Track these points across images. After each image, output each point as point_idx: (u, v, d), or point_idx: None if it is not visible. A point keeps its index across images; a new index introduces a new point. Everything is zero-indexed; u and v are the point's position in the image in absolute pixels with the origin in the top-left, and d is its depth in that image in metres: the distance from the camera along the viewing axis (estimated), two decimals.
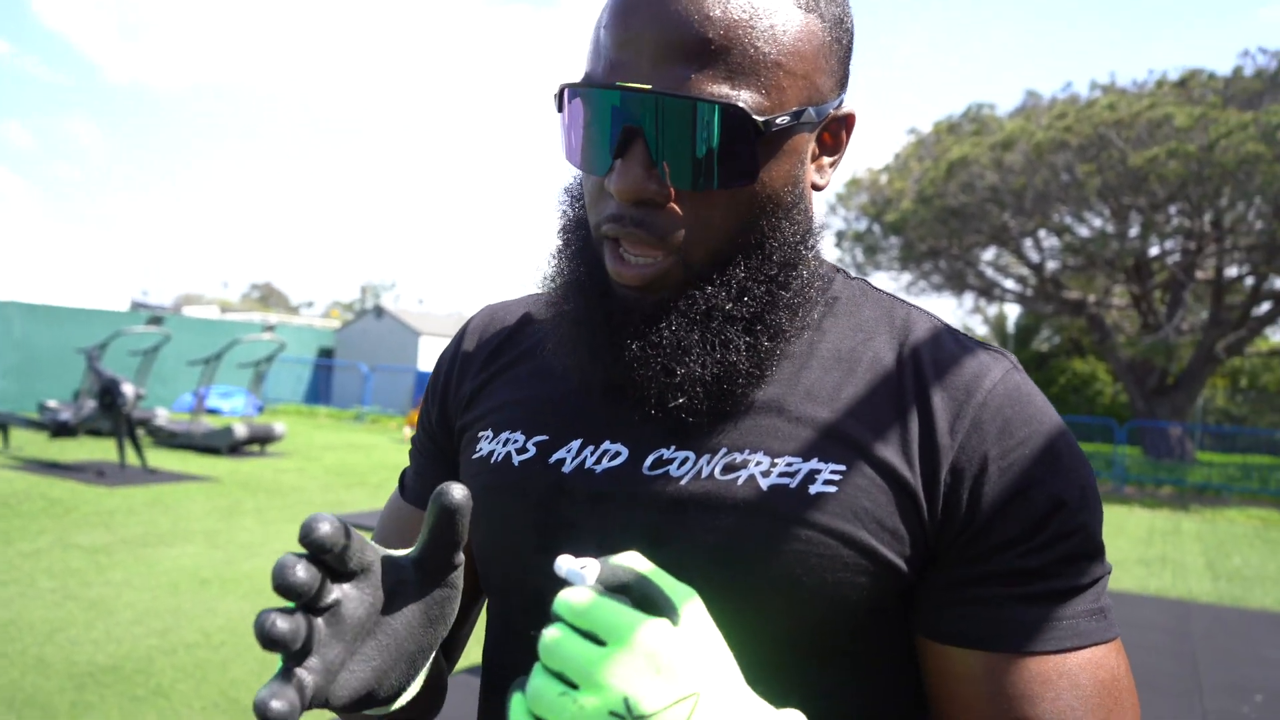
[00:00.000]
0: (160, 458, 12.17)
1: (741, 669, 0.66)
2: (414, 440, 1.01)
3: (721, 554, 0.73)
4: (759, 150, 0.73)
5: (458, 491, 0.65)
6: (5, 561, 6.33)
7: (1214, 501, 15.33)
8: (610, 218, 0.74)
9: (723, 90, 0.71)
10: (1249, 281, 20.15)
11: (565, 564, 0.62)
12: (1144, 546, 10.33)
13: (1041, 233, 20.75)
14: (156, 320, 13.49)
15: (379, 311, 25.65)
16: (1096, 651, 0.71)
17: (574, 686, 0.57)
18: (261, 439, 13.47)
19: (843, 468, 0.73)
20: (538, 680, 0.59)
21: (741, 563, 0.72)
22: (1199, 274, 20.02)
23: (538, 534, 0.80)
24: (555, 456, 0.81)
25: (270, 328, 15.69)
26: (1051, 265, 22.14)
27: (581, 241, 0.81)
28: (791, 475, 0.73)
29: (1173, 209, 18.63)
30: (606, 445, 0.80)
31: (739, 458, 0.75)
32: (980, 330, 37.38)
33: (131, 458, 11.19)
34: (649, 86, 0.70)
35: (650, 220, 0.73)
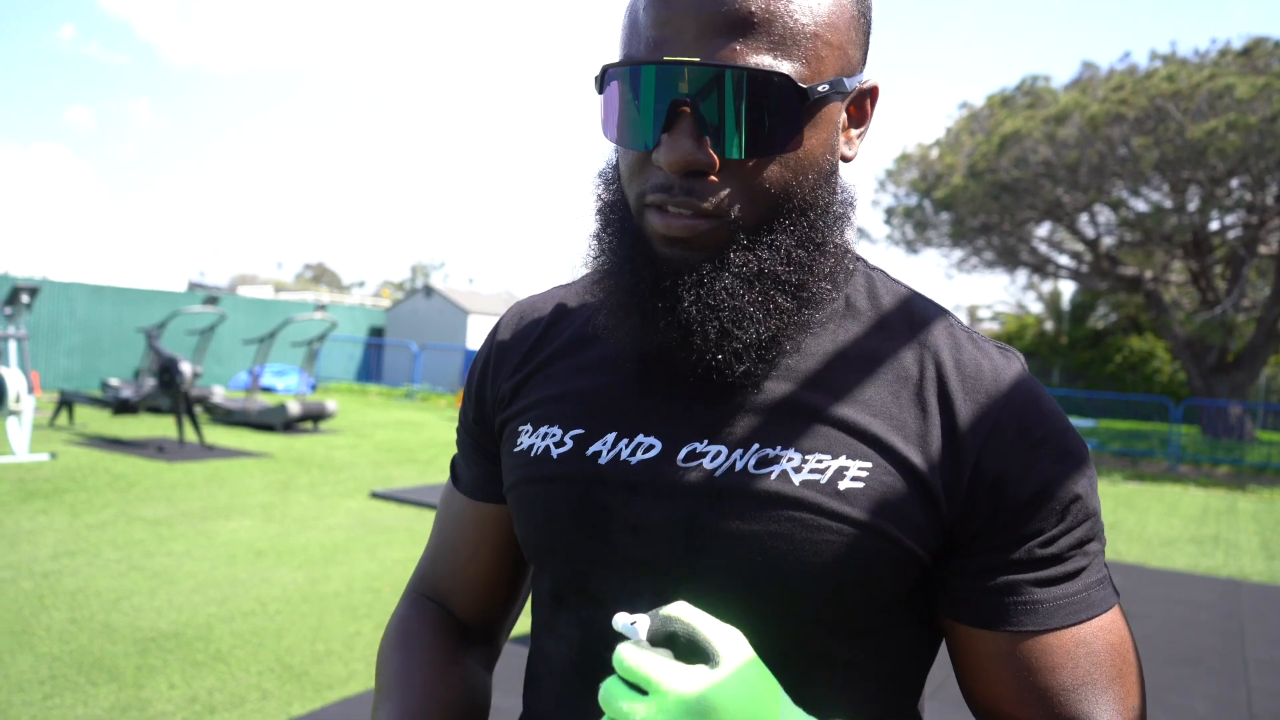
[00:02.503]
0: (217, 434, 12.48)
1: (773, 647, 0.76)
2: (457, 432, 1.06)
3: (757, 542, 0.77)
4: (803, 118, 0.76)
5: None
6: (73, 533, 6.58)
7: (1273, 481, 15.00)
8: (657, 187, 0.77)
9: (766, 60, 0.74)
10: None
11: (620, 621, 0.71)
12: (1197, 525, 10.18)
13: (1097, 207, 20.33)
14: (212, 300, 13.78)
15: (428, 291, 25.89)
16: (1104, 618, 0.80)
17: None
18: (314, 416, 13.73)
19: (868, 465, 0.78)
20: None
21: (776, 551, 0.77)
22: (1262, 249, 19.47)
23: (577, 521, 0.84)
24: (591, 449, 0.85)
25: (322, 307, 15.93)
26: (1107, 241, 21.69)
27: (621, 220, 0.83)
28: (821, 471, 0.78)
29: (1234, 182, 18.12)
30: (641, 438, 0.83)
31: (771, 453, 0.79)
32: (1034, 308, 36.77)
33: (190, 434, 11.49)
34: (696, 59, 0.73)
35: (698, 188, 0.76)
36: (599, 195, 0.86)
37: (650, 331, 0.80)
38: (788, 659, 0.78)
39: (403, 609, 1.03)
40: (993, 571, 0.79)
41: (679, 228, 0.76)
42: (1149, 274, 21.39)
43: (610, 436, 0.85)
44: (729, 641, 0.70)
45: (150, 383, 12.06)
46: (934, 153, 21.99)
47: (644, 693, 0.68)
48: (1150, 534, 9.45)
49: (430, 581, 1.05)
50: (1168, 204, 19.33)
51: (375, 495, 8.78)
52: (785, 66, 0.74)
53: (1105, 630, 0.79)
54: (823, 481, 0.78)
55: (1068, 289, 34.08)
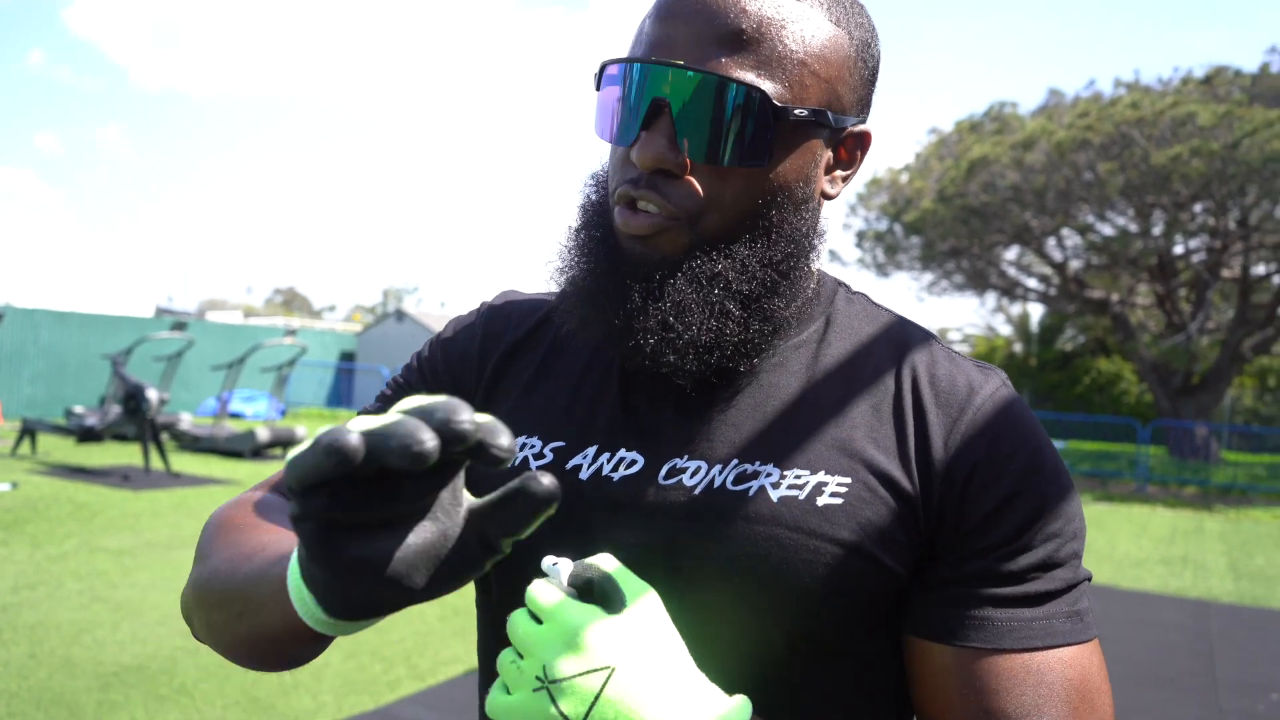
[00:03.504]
0: (184, 462, 12.32)
1: (751, 669, 0.76)
2: (405, 372, 0.98)
3: (735, 563, 0.77)
4: (776, 136, 0.78)
5: (546, 480, 0.55)
6: (34, 564, 6.45)
7: (1239, 501, 15.17)
8: (628, 181, 0.79)
9: (749, 76, 0.76)
10: (1276, 280, 19.93)
11: (546, 562, 0.73)
12: (1166, 546, 10.26)
13: (1064, 231, 20.61)
14: (180, 326, 13.65)
15: (400, 315, 25.78)
16: (1068, 651, 0.75)
17: (521, 657, 0.69)
18: (284, 442, 13.60)
19: (848, 480, 0.78)
20: (505, 651, 0.71)
21: (754, 571, 0.76)
22: (1225, 272, 19.82)
23: (555, 538, 0.81)
24: (572, 463, 0.83)
25: (292, 332, 15.81)
26: (1074, 264, 21.98)
27: (597, 218, 0.84)
28: (800, 487, 0.78)
29: (1197, 207, 18.45)
30: (623, 453, 0.83)
31: (749, 468, 0.79)
32: (1004, 330, 37.14)
33: (156, 462, 11.32)
34: (680, 63, 0.76)
35: (666, 188, 0.78)
36: (586, 195, 0.87)
37: (596, 320, 0.81)
38: (768, 681, 0.77)
39: (247, 493, 0.95)
40: (949, 583, 0.77)
41: (639, 225, 0.78)
42: (1115, 297, 21.69)
43: (591, 450, 0.84)
44: (635, 591, 0.71)
45: (116, 410, 11.89)
46: (904, 177, 22.24)
47: (541, 622, 0.70)
48: (1120, 555, 9.52)
49: None
50: (1133, 228, 19.64)
51: None
52: (766, 85, 0.77)
53: (1065, 664, 0.75)
54: (801, 498, 0.77)
55: (1036, 312, 34.46)
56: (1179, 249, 20.42)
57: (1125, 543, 10.39)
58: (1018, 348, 35.44)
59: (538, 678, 0.67)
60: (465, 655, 5.01)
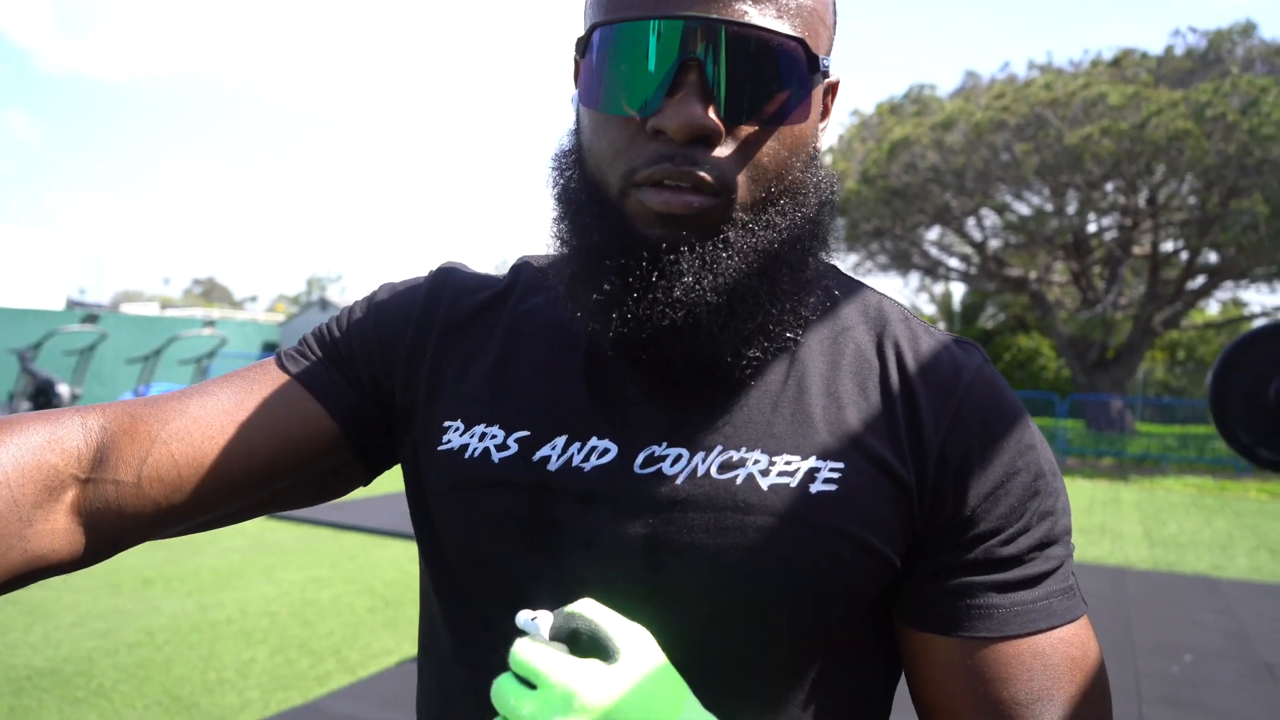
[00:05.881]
0: None
1: (741, 666, 0.72)
2: (318, 334, 0.89)
3: (724, 556, 0.72)
4: (812, 89, 0.73)
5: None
6: None
7: (1152, 471, 15.72)
8: (655, 158, 0.70)
9: (784, 26, 0.70)
10: (1183, 256, 20.63)
11: (522, 617, 0.67)
12: (1084, 516, 10.57)
13: (983, 211, 21.04)
14: (92, 318, 13.21)
15: (324, 304, 25.36)
16: (1067, 630, 0.75)
17: None
18: None
19: (841, 465, 0.73)
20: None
21: (745, 565, 0.71)
22: (1135, 249, 20.44)
23: (524, 534, 0.76)
24: (539, 454, 0.77)
25: (210, 323, 15.42)
26: (994, 243, 22.46)
27: (598, 202, 0.74)
28: (791, 474, 0.73)
29: (1109, 186, 18.98)
30: (594, 442, 0.76)
31: (735, 455, 0.74)
32: (927, 309, 37.86)
33: None
34: (714, 16, 0.68)
35: (704, 159, 0.69)
36: (558, 180, 0.78)
37: (646, 319, 0.70)
38: (756, 677, 0.74)
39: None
40: (950, 572, 0.74)
41: (679, 204, 0.69)
42: (1033, 275, 22.24)
43: (560, 440, 0.77)
44: (631, 639, 0.66)
45: (26, 406, 11.47)
46: (828, 159, 22.42)
47: (534, 687, 0.64)
48: None
49: (135, 414, 0.79)
50: (1049, 207, 20.14)
51: (271, 515, 8.49)
52: (803, 35, 0.71)
53: (1065, 643, 0.74)
54: (793, 485, 0.72)
55: (958, 291, 35.22)
56: (1092, 227, 21.00)
57: None
58: (941, 326, 36.16)
59: None
60: (396, 646, 4.94)
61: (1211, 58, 18.44)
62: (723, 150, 0.70)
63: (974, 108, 18.82)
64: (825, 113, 0.81)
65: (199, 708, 4.04)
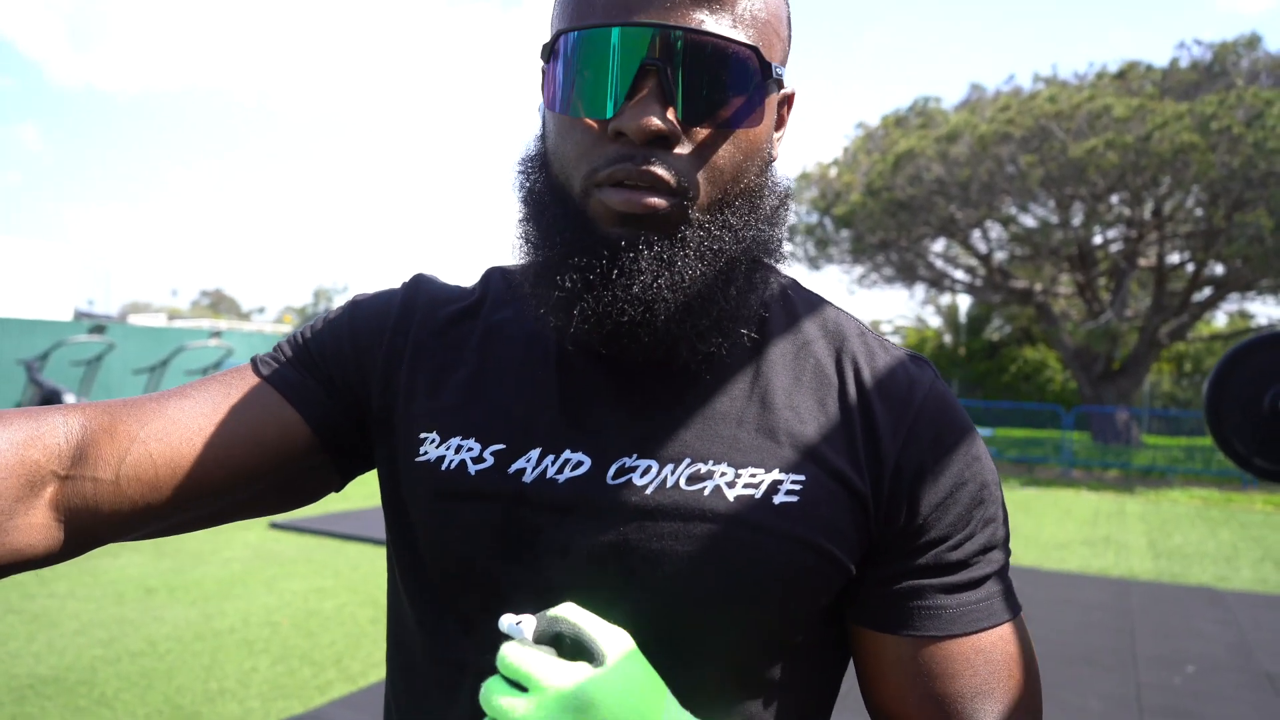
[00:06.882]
0: None
1: (710, 670, 0.76)
2: (291, 341, 0.91)
3: (692, 562, 0.75)
4: (765, 95, 0.76)
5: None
6: None
7: (1158, 483, 15.66)
8: (615, 158, 0.73)
9: (739, 34, 0.74)
10: (1189, 268, 20.59)
11: (506, 621, 0.70)
12: (1089, 528, 10.55)
13: (988, 223, 21.04)
14: (99, 329, 13.26)
15: None
16: (1005, 628, 0.80)
17: None
18: None
19: (802, 478, 0.77)
20: None
21: (711, 572, 0.75)
22: (1141, 261, 20.42)
23: (501, 542, 0.78)
24: (514, 466, 0.79)
25: (217, 334, 15.47)
26: (999, 255, 22.46)
27: (560, 203, 0.76)
28: (755, 486, 0.76)
29: (1114, 198, 18.97)
30: (568, 454, 0.79)
31: (703, 468, 0.77)
32: (933, 322, 37.81)
33: None
34: (671, 24, 0.71)
35: (662, 159, 0.72)
36: (524, 184, 0.80)
37: (606, 315, 0.73)
38: (721, 680, 0.77)
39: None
40: (900, 576, 0.79)
41: (639, 204, 0.72)
42: (1038, 287, 22.22)
43: (535, 453, 0.79)
44: (614, 641, 0.69)
45: None
46: (833, 171, 22.48)
47: (524, 690, 0.67)
48: (1045, 538, 9.76)
49: (115, 414, 0.81)
50: (1054, 219, 20.13)
51: (274, 526, 8.52)
52: (756, 44, 0.75)
53: (1005, 640, 0.80)
54: (757, 496, 0.76)
55: (964, 302, 35.13)
56: (1097, 239, 20.98)
57: (1050, 525, 10.66)
58: (947, 338, 36.12)
59: None
60: None
61: (1217, 70, 18.43)
62: (680, 151, 0.73)
63: (979, 120, 18.84)
64: (780, 123, 0.85)
65: (201, 717, 4.06)
